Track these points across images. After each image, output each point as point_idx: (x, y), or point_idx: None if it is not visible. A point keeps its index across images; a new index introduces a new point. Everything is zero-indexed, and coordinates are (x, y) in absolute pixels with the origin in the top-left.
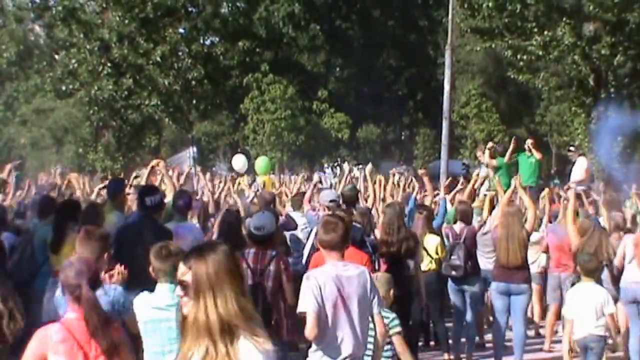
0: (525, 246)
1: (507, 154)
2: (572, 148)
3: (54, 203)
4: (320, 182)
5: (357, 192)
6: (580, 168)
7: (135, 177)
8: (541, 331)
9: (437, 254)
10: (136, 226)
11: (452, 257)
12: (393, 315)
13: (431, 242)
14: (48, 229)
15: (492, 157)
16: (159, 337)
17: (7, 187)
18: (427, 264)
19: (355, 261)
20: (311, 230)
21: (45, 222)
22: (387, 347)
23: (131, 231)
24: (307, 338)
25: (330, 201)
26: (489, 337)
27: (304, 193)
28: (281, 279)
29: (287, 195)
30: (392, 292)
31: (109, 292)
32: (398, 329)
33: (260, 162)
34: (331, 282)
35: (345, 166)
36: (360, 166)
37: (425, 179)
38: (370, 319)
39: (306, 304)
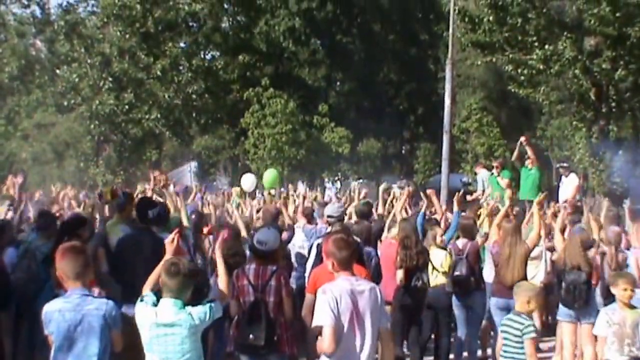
0: (525, 262)
1: (514, 153)
2: (564, 164)
3: (54, 218)
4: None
5: (370, 207)
6: (570, 185)
7: (140, 192)
8: (541, 345)
9: (442, 267)
10: (135, 238)
11: (455, 273)
12: (530, 322)
13: (438, 256)
14: (50, 245)
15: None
16: (163, 352)
17: (19, 204)
18: (434, 278)
19: None
20: (312, 244)
21: (44, 237)
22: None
23: (130, 243)
24: (324, 352)
25: (328, 216)
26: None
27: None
28: (282, 294)
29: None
30: (532, 301)
31: (101, 306)
32: (533, 334)
33: (269, 175)
34: (346, 296)
35: (354, 185)
36: (361, 181)
37: (434, 198)
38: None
39: (323, 318)
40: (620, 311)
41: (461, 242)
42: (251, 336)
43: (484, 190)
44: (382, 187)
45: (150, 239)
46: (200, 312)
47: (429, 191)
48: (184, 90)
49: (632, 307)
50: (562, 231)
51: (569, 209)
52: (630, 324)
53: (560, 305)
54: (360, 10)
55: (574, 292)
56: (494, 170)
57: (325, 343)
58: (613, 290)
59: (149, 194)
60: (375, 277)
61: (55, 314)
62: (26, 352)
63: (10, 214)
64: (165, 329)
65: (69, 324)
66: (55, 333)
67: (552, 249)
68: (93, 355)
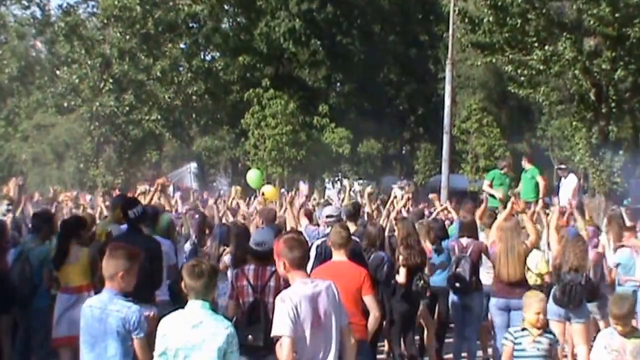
0: (524, 260)
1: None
2: (562, 166)
3: (51, 218)
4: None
5: (358, 208)
6: (570, 186)
7: (141, 193)
8: None
9: (537, 268)
10: (124, 239)
11: (457, 270)
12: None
13: (532, 257)
14: (44, 248)
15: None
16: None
17: (17, 205)
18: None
19: (354, 276)
20: (311, 245)
21: (39, 238)
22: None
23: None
24: None
25: (327, 217)
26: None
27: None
28: None
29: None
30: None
31: (122, 309)
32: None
33: (252, 176)
34: (306, 302)
35: (346, 183)
36: (362, 181)
37: (437, 203)
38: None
39: (282, 328)
40: (619, 336)
41: (465, 241)
42: (250, 337)
43: None
44: (367, 190)
45: (140, 240)
46: (233, 332)
47: (431, 196)
48: (184, 91)
49: (632, 333)
50: (557, 231)
51: (571, 209)
52: (632, 351)
53: (551, 304)
54: (360, 12)
55: (570, 292)
56: (506, 169)
57: (283, 353)
58: (610, 316)
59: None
60: (387, 282)
61: (87, 309)
62: (22, 354)
63: (9, 215)
64: (193, 333)
65: (94, 321)
66: (83, 329)
67: None
68: (111, 357)
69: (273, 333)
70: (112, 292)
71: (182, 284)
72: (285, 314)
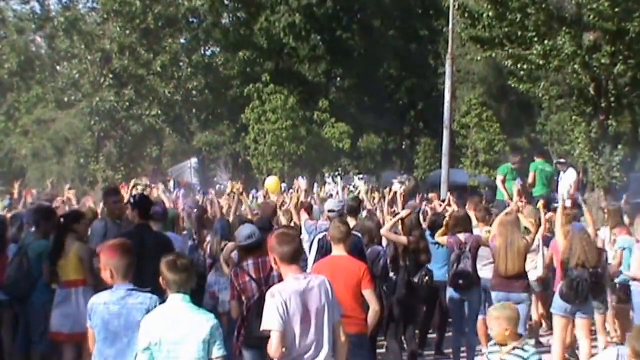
0: (524, 254)
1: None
2: (562, 160)
3: (51, 213)
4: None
5: (359, 203)
6: (569, 180)
7: (135, 185)
8: (542, 340)
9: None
10: (137, 235)
11: (460, 266)
12: (533, 350)
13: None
14: (42, 242)
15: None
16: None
17: (18, 201)
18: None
19: (353, 270)
20: (312, 241)
21: (39, 234)
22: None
23: (132, 240)
24: (272, 357)
25: (329, 211)
26: None
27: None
28: None
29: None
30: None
31: (145, 301)
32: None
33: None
34: (297, 297)
35: (357, 182)
36: (362, 176)
37: (437, 202)
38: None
39: (272, 323)
40: None
41: (463, 236)
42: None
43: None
44: (363, 189)
45: (152, 236)
46: (216, 324)
47: (431, 195)
48: (185, 86)
49: None
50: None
51: (569, 204)
52: None
53: (557, 299)
54: (360, 6)
55: (577, 288)
56: (517, 165)
57: (272, 348)
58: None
59: (155, 193)
60: (383, 276)
61: (101, 306)
62: (22, 349)
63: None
64: (176, 327)
65: (113, 317)
66: (99, 326)
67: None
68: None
69: (262, 327)
70: (128, 287)
71: (161, 279)
72: (274, 309)
